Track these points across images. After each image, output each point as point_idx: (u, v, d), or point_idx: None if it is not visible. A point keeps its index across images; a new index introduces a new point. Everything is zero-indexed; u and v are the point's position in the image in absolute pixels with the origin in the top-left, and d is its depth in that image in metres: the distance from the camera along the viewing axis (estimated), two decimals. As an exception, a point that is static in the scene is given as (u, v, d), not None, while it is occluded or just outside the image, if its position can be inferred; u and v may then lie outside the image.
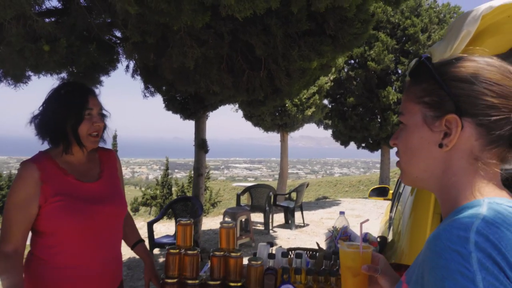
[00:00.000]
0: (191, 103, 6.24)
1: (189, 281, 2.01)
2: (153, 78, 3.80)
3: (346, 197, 22.42)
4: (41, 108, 1.75)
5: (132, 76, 4.45)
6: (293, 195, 9.34)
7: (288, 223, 8.95)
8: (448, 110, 0.75)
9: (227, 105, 6.79)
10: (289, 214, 8.89)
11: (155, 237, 5.97)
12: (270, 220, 8.49)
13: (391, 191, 5.08)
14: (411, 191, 2.58)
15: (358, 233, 2.78)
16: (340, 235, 2.69)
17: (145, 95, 4.63)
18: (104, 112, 1.86)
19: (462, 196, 0.75)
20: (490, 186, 0.75)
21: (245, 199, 9.27)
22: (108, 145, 2.05)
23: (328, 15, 2.58)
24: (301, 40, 2.71)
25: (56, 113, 1.71)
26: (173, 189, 27.54)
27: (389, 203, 5.22)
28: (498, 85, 0.73)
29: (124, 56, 3.45)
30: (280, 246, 2.45)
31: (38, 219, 1.70)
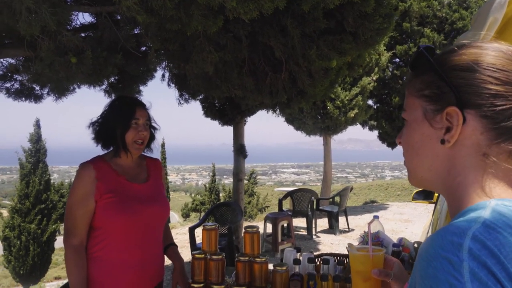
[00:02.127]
0: (228, 109, 6.31)
1: (215, 286, 2.02)
2: (186, 85, 3.89)
3: (397, 201, 21.58)
4: (99, 116, 1.98)
5: (168, 84, 4.59)
6: (337, 199, 9.12)
7: (332, 228, 8.75)
8: (448, 103, 0.68)
9: (264, 110, 6.78)
10: (333, 219, 8.68)
11: (197, 242, 6.06)
12: (314, 225, 8.34)
13: (436, 194, 4.80)
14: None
15: (392, 239, 2.64)
16: (371, 240, 2.57)
17: (180, 102, 4.75)
18: (153, 124, 2.07)
19: (468, 198, 0.67)
20: (501, 185, 0.65)
21: (288, 204, 9.18)
22: (157, 153, 2.26)
23: (346, 12, 2.47)
24: (320, 39, 2.62)
25: (108, 121, 1.94)
26: (220, 194, 28.00)
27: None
28: (503, 71, 0.65)
29: (153, 66, 3.57)
30: (311, 252, 2.38)
31: (93, 215, 1.87)
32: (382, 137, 15.57)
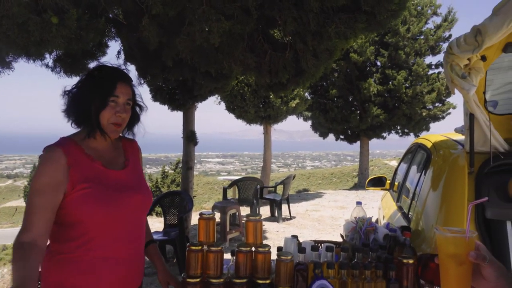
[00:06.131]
0: (179, 94, 5.98)
1: (213, 280, 1.83)
2: (152, 63, 3.53)
3: (319, 189, 22.53)
4: (74, 86, 1.64)
5: (125, 63, 4.16)
6: (279, 187, 9.28)
7: (275, 216, 8.89)
8: None
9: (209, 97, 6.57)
10: (276, 207, 8.83)
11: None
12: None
13: (388, 181, 5.04)
14: (435, 182, 2.53)
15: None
16: (366, 226, 2.58)
17: (140, 83, 4.34)
18: (138, 102, 1.77)
19: None
20: None
21: (231, 193, 9.12)
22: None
23: (365, -11, 2.41)
24: (335, 16, 2.52)
25: (83, 94, 1.62)
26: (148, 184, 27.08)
27: (384, 193, 5.20)
28: None
29: (117, 38, 3.17)
30: (296, 237, 2.31)
31: (62, 208, 1.55)
32: (315, 128, 16.15)
